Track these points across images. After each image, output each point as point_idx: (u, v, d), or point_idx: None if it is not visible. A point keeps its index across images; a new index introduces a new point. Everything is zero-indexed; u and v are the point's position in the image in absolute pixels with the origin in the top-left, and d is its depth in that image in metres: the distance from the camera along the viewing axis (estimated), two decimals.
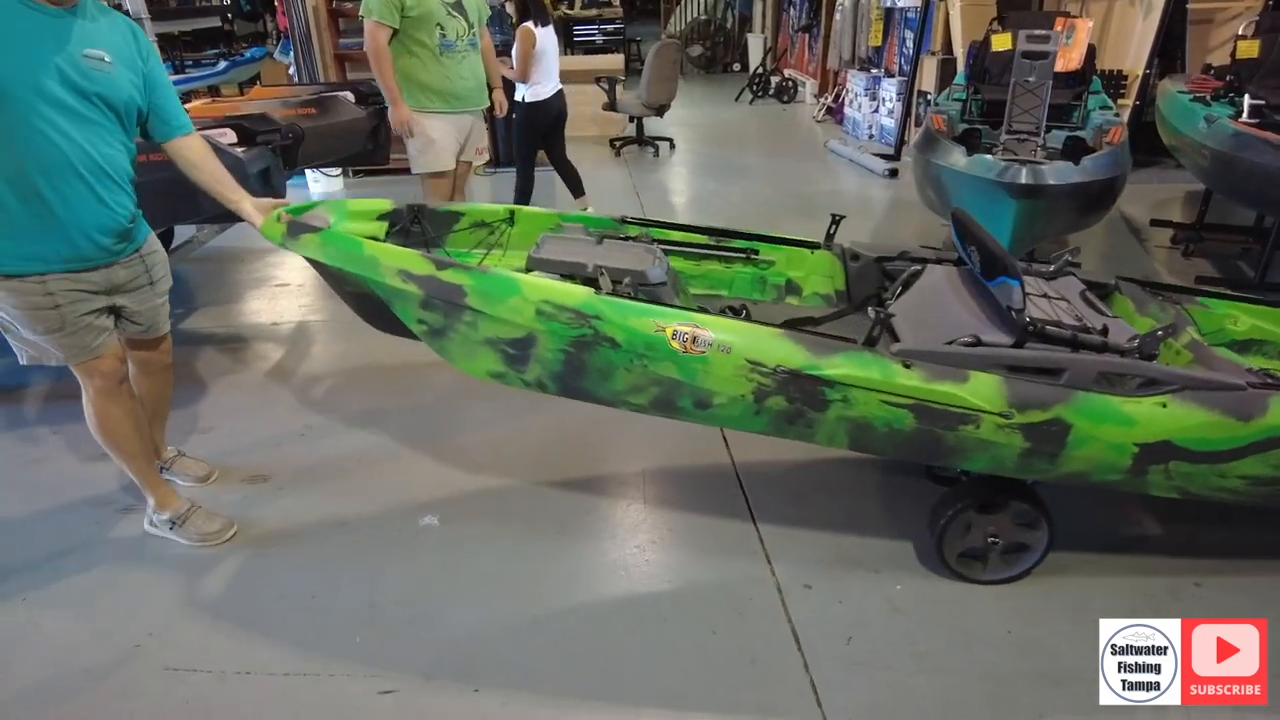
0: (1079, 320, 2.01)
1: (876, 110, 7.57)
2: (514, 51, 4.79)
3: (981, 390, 1.81)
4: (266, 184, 3.11)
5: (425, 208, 2.56)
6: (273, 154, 3.13)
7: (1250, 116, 3.73)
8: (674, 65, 7.46)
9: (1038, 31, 3.50)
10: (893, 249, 2.51)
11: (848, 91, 8.26)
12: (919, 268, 2.34)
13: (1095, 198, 3.17)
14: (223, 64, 8.34)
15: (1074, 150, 3.33)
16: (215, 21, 8.96)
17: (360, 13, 3.53)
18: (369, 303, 2.11)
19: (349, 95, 4.03)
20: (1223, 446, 1.85)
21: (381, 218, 2.40)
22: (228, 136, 3.06)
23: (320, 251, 2.02)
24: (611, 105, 7.46)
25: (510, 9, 5.92)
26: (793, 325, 1.97)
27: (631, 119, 7.68)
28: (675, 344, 1.83)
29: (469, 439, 2.91)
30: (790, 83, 10.57)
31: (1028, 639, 1.99)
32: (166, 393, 2.55)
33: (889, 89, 7.32)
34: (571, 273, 2.04)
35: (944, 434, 1.85)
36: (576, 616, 2.10)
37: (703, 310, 1.93)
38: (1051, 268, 2.27)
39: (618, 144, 7.66)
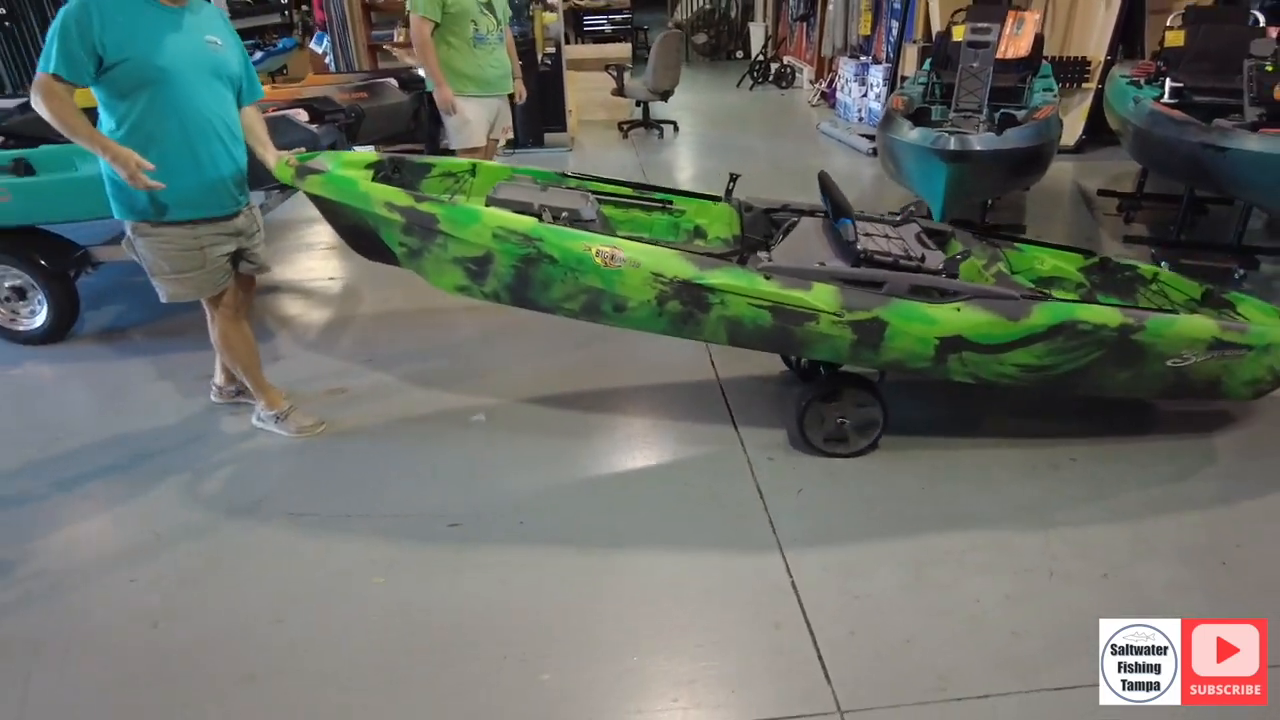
0: (905, 251, 2.62)
1: (865, 95, 8.16)
2: None
3: (821, 296, 2.40)
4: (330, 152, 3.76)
5: (403, 159, 3.11)
6: (339, 130, 3.77)
7: (1170, 98, 4.33)
8: (678, 53, 8.06)
9: (980, 24, 4.11)
10: (777, 203, 3.10)
11: (839, 77, 8.84)
12: (797, 218, 2.94)
13: (1020, 163, 3.77)
14: (258, 54, 8.98)
15: (1004, 125, 3.94)
16: (277, 18, 9.69)
17: (407, 7, 4.14)
18: (359, 233, 2.70)
19: (394, 82, 4.67)
20: (1000, 340, 2.43)
21: (368, 166, 2.90)
22: (302, 115, 3.70)
23: (323, 188, 2.59)
24: (620, 91, 8.07)
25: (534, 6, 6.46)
26: None
27: (638, 103, 8.29)
28: (599, 260, 2.41)
29: (506, 364, 3.57)
30: (788, 69, 11.14)
31: (937, 493, 2.63)
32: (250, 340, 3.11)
33: (876, 75, 7.91)
34: (521, 210, 2.58)
35: (794, 329, 2.44)
36: (594, 479, 2.77)
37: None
38: (899, 217, 2.90)
39: (625, 127, 8.27)
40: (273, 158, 2.78)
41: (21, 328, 3.75)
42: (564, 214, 2.62)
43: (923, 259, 2.59)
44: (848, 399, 2.71)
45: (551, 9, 7.21)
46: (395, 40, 7.14)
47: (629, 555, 2.39)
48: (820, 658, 2.03)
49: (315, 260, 4.93)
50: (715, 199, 3.18)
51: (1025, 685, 1.93)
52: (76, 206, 3.39)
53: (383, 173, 2.93)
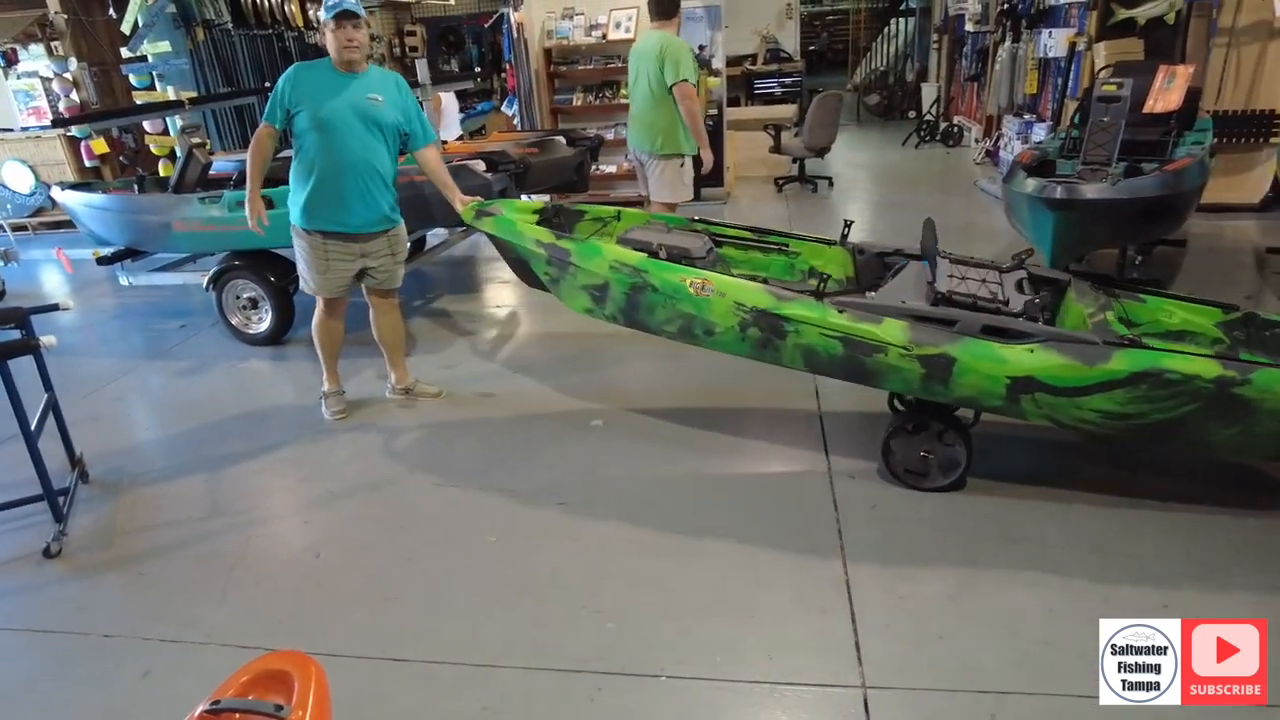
0: (991, 295, 2.72)
1: None
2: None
3: (890, 331, 2.60)
4: (506, 199, 4.42)
5: (563, 207, 3.68)
6: (509, 178, 4.44)
7: None
8: (835, 113, 8.36)
9: (1112, 79, 4.13)
10: (890, 247, 3.30)
11: (1003, 135, 8.75)
12: (905, 262, 3.13)
13: (1141, 213, 3.74)
14: (462, 115, 10.30)
15: (1130, 176, 3.92)
16: (469, 84, 11.23)
17: (680, 77, 4.53)
18: (520, 264, 3.33)
19: (562, 139, 5.36)
20: (1075, 383, 2.46)
21: (534, 213, 3.44)
22: (479, 166, 4.41)
23: (494, 228, 3.26)
24: (777, 148, 8.47)
25: None
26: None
27: (794, 160, 8.65)
28: (691, 289, 2.80)
29: (631, 382, 4.03)
30: (957, 128, 11.07)
31: (1005, 519, 2.73)
32: (396, 332, 3.79)
33: (1039, 132, 7.79)
34: (642, 248, 3.03)
35: (864, 359, 2.65)
36: (689, 478, 3.11)
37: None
38: (1009, 263, 3.01)
39: (780, 182, 8.65)
40: (459, 202, 3.49)
41: (252, 331, 4.71)
42: (676, 251, 3.04)
43: (1007, 302, 2.72)
44: (935, 434, 2.84)
45: (715, 74, 7.78)
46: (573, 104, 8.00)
47: (706, 541, 2.71)
48: (857, 642, 2.24)
49: (491, 290, 5.69)
50: (830, 243, 3.44)
51: (1047, 689, 2.04)
52: None
53: (545, 218, 3.46)
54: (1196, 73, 5.02)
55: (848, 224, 3.40)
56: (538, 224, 3.29)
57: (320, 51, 3.40)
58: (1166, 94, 4.61)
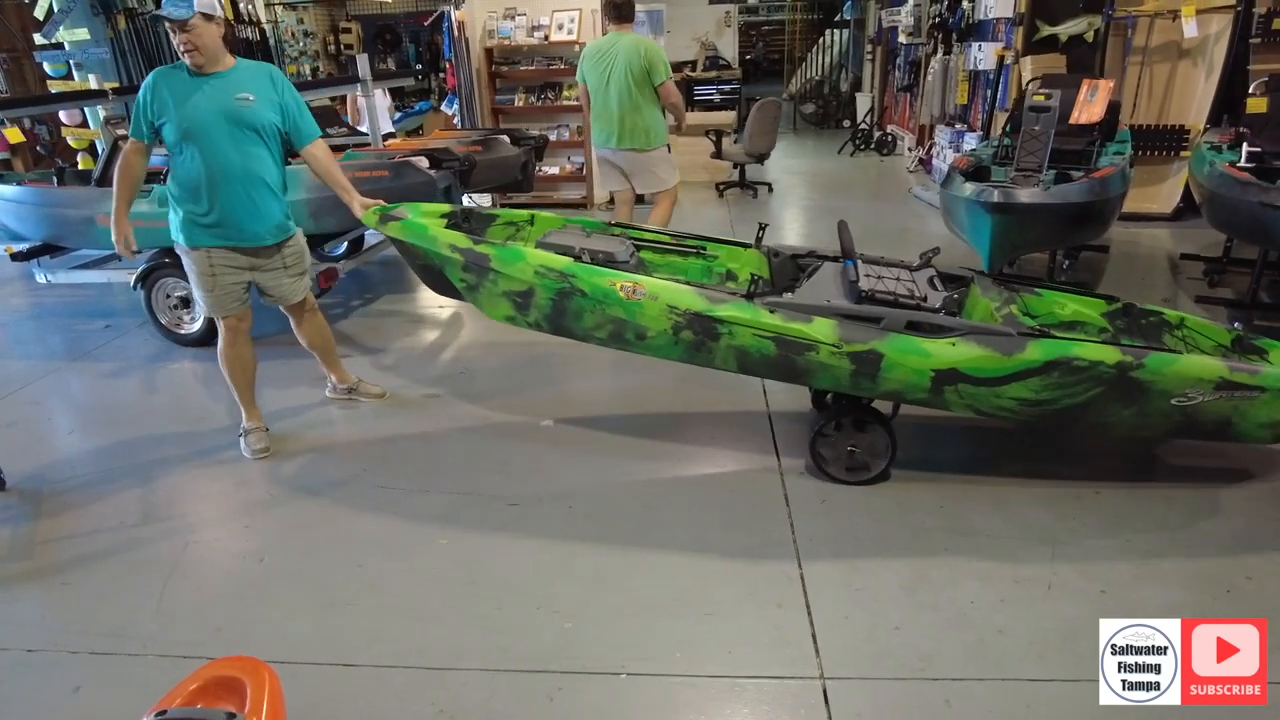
0: (910, 292, 2.82)
1: None
2: None
3: (821, 329, 2.65)
4: (449, 198, 4.35)
5: (472, 211, 3.49)
6: (453, 176, 4.37)
7: (1247, 162, 4.37)
8: (774, 120, 8.51)
9: (1043, 90, 4.32)
10: (803, 249, 3.36)
11: (935, 144, 9.04)
12: (819, 263, 3.19)
13: (1071, 218, 3.91)
14: (398, 115, 10.09)
15: (1061, 184, 4.10)
16: (411, 81, 11.07)
17: (667, 76, 4.74)
18: (430, 271, 3.08)
19: (506, 139, 5.31)
20: (995, 374, 2.59)
21: (442, 216, 3.23)
22: (423, 162, 4.33)
23: (402, 233, 3.01)
24: (718, 154, 8.57)
25: None
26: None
27: (735, 166, 8.76)
28: (622, 294, 2.74)
29: (572, 383, 4.00)
30: (890, 137, 11.40)
31: (950, 511, 2.81)
32: (322, 336, 3.56)
33: (970, 141, 8.07)
34: (564, 252, 2.93)
35: (796, 358, 2.69)
36: (641, 480, 3.10)
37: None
38: (917, 262, 3.12)
39: (721, 187, 8.75)
40: (359, 206, 3.18)
41: (183, 331, 4.50)
42: (600, 255, 2.99)
43: (925, 299, 2.82)
44: (858, 427, 2.90)
45: None
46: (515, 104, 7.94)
47: (661, 540, 2.70)
48: (814, 635, 2.26)
49: (427, 291, 5.55)
50: (746, 245, 3.44)
51: (1001, 674, 2.10)
52: None
53: (454, 222, 3.25)
54: (1116, 87, 5.27)
55: (762, 227, 3.42)
56: (447, 228, 3.11)
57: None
58: (1090, 106, 4.83)
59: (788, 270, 3.30)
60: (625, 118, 4.80)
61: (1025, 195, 3.70)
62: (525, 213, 3.66)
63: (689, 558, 2.61)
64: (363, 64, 5.27)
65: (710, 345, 2.77)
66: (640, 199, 5.25)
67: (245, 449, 3.33)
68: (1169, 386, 2.57)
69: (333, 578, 2.56)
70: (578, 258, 2.92)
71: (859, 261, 3.00)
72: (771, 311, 2.70)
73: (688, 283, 2.85)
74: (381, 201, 3.24)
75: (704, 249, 3.48)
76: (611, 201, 8.25)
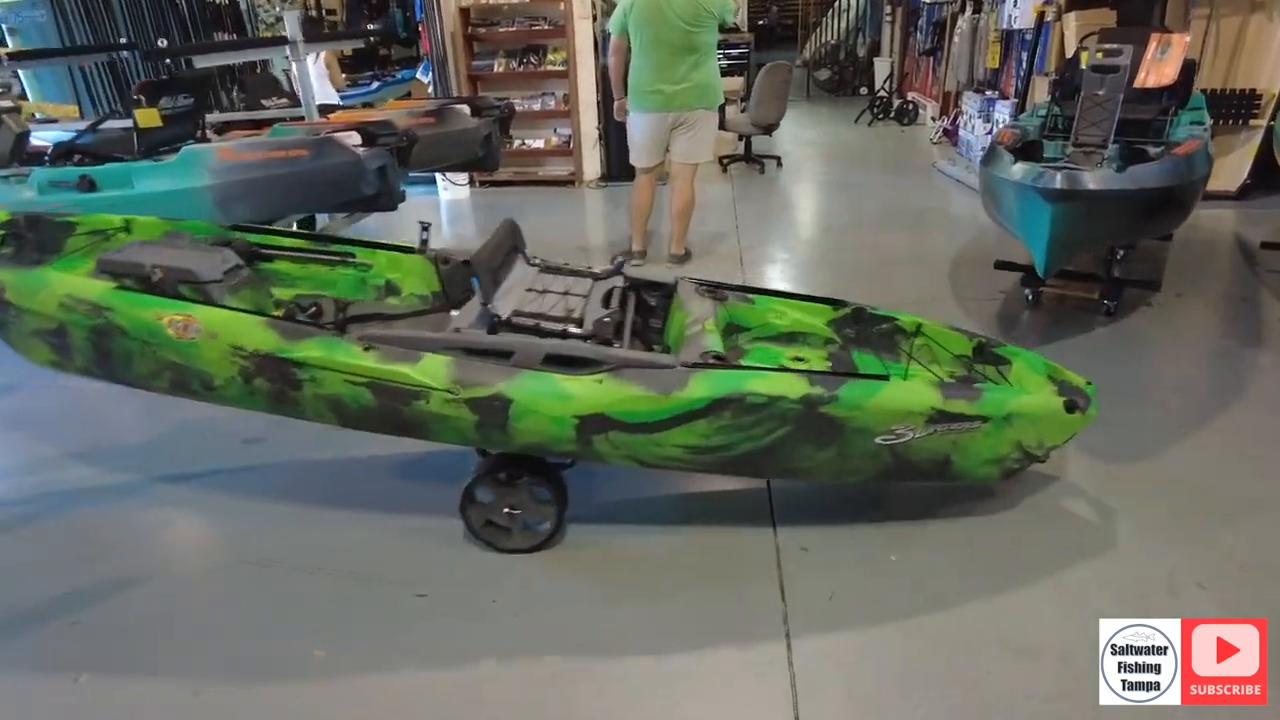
0: (567, 312, 2.21)
1: (990, 132, 7.48)
2: None
3: (430, 369, 2.01)
4: (383, 179, 3.63)
5: (43, 218, 2.67)
6: (389, 154, 3.64)
7: None
8: (784, 85, 7.69)
9: (1109, 45, 3.52)
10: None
11: (963, 113, 8.20)
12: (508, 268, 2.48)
13: (1149, 206, 3.14)
14: (375, 84, 9.33)
15: (1132, 162, 3.32)
16: (360, 44, 9.89)
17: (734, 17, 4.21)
18: None
19: (465, 108, 4.55)
20: (650, 418, 2.01)
21: None
22: (353, 138, 3.60)
23: None
24: (721, 124, 7.75)
25: None
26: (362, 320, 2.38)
27: (740, 138, 7.96)
28: (171, 331, 2.07)
29: None
30: (911, 105, 10.54)
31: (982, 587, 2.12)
32: None
33: (1003, 110, 7.24)
34: (130, 272, 2.20)
35: (402, 409, 2.05)
36: (619, 560, 2.36)
37: (297, 307, 2.28)
38: (604, 270, 2.58)
39: (725, 161, 7.95)
40: None
41: None
42: (175, 274, 2.24)
43: (580, 321, 2.18)
44: (519, 486, 2.24)
45: None
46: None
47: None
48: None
49: None
50: (409, 250, 2.73)
51: None
52: None
53: (15, 231, 2.56)
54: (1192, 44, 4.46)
55: (425, 226, 2.69)
56: (4, 243, 2.44)
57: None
58: (1160, 66, 4.02)
59: (461, 280, 2.63)
60: (689, 73, 4.25)
61: (1094, 180, 2.92)
62: (120, 219, 2.77)
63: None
64: (290, 22, 4.51)
65: (293, 396, 2.10)
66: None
67: None
68: (869, 423, 2.06)
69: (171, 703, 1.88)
70: (146, 278, 2.19)
71: (527, 270, 2.45)
72: (366, 349, 2.04)
73: (261, 312, 2.17)
74: None
75: (354, 256, 2.74)
76: (605, 179, 7.52)
